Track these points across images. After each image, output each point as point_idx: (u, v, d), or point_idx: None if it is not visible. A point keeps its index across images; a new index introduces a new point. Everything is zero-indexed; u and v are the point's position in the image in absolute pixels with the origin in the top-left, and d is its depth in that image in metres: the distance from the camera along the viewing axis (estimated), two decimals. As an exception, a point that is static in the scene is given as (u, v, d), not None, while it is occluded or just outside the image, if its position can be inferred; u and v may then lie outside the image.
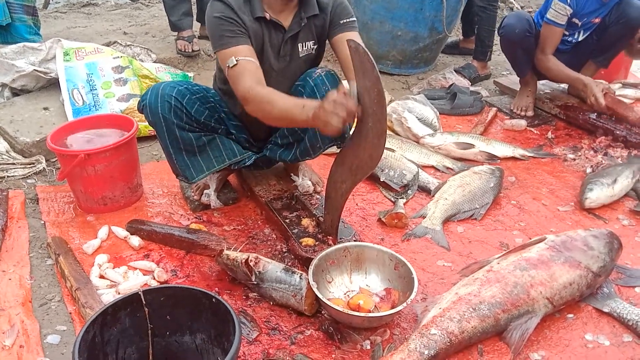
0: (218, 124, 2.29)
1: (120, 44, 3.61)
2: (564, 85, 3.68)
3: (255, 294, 1.97)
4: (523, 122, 3.38)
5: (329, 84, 2.16)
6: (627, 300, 1.98)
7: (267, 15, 2.11)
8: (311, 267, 1.87)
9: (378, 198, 2.62)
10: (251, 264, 1.90)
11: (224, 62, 2.03)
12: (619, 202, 2.60)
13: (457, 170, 2.85)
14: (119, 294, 1.90)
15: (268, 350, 1.74)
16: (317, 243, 2.14)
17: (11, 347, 1.72)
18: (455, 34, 4.85)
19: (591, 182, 2.58)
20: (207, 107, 2.24)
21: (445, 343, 1.67)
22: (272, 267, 1.91)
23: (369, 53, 1.71)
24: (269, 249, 2.22)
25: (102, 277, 2.02)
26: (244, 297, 1.97)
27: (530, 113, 3.50)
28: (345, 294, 1.96)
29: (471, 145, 3.00)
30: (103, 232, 2.26)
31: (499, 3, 4.44)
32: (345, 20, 2.21)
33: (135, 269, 2.08)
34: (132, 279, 2.00)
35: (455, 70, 4.08)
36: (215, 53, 2.13)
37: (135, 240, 2.21)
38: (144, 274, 2.05)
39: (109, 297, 1.90)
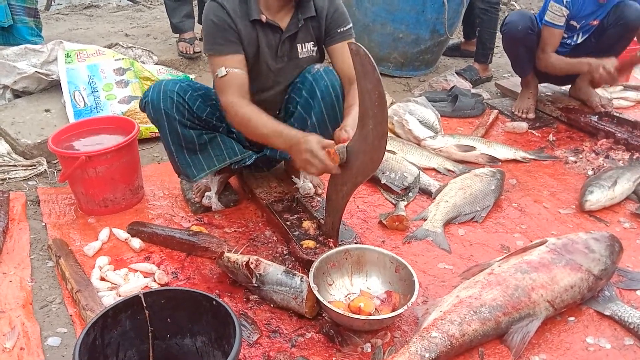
0: (219, 122, 2.30)
1: (122, 46, 3.62)
2: (565, 88, 3.68)
3: (256, 296, 1.96)
4: (524, 125, 3.38)
5: (327, 80, 2.17)
6: (629, 303, 1.97)
7: (264, 18, 2.12)
8: (312, 270, 1.87)
9: (379, 200, 2.62)
10: (252, 266, 1.90)
11: (214, 68, 2.10)
12: (620, 204, 2.59)
13: (458, 172, 2.85)
14: (119, 296, 1.90)
15: (269, 353, 1.74)
16: (318, 245, 2.14)
17: (12, 349, 1.72)
18: (457, 36, 4.85)
19: (592, 185, 2.58)
20: (209, 105, 2.25)
21: (446, 346, 1.66)
22: (273, 270, 1.91)
23: (369, 55, 1.71)
24: (270, 252, 2.22)
25: (102, 279, 2.02)
26: (244, 299, 1.96)
27: (531, 115, 3.50)
28: (346, 296, 1.96)
29: (472, 148, 3.00)
30: (104, 234, 2.26)
31: (500, 5, 4.43)
32: (342, 29, 2.23)
33: (136, 271, 2.08)
34: (132, 282, 2.00)
35: (457, 73, 4.08)
36: (206, 55, 2.15)
37: (136, 243, 2.21)
38: (145, 277, 2.05)
39: (109, 299, 1.90)
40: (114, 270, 2.06)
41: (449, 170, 2.90)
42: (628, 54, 3.22)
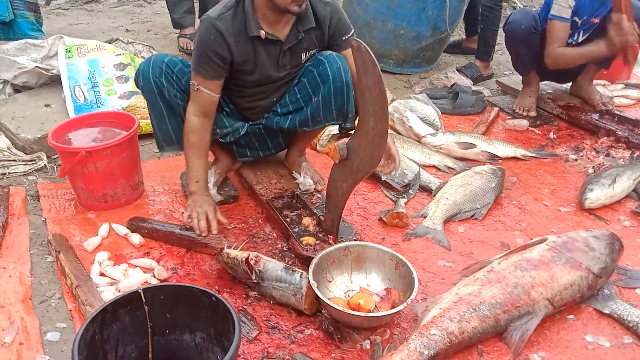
0: None
1: (122, 41, 3.61)
2: (566, 86, 3.67)
3: (255, 292, 1.96)
4: (525, 122, 3.37)
5: (340, 63, 2.20)
6: (628, 301, 1.97)
7: (262, 34, 2.12)
8: (311, 266, 1.87)
9: (379, 197, 2.62)
10: (251, 262, 1.90)
11: (192, 78, 2.17)
12: (620, 203, 2.59)
13: (459, 170, 2.85)
14: (119, 291, 1.90)
15: (268, 349, 1.74)
16: (317, 242, 2.14)
17: (11, 344, 1.72)
18: (458, 34, 4.84)
19: (592, 183, 2.57)
20: None
21: (445, 343, 1.67)
22: (273, 266, 1.91)
23: (370, 52, 1.71)
24: (270, 248, 2.22)
25: (102, 274, 2.02)
26: (244, 295, 1.96)
27: (532, 113, 3.49)
28: (345, 293, 1.96)
29: (473, 145, 3.00)
30: (104, 229, 2.26)
31: (503, 2, 4.43)
32: (346, 37, 2.25)
33: (136, 266, 2.08)
34: (132, 277, 2.00)
35: (458, 70, 4.07)
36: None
37: (136, 238, 2.21)
38: (145, 272, 2.04)
39: (109, 294, 1.90)
40: (114, 266, 2.06)
41: (449, 168, 2.90)
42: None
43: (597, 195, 2.51)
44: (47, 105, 3.08)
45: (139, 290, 1.58)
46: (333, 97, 2.23)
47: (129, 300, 1.57)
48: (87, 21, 5.06)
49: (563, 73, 3.41)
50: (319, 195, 2.44)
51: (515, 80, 3.83)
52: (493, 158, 2.96)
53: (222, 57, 2.11)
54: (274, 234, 2.31)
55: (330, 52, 2.24)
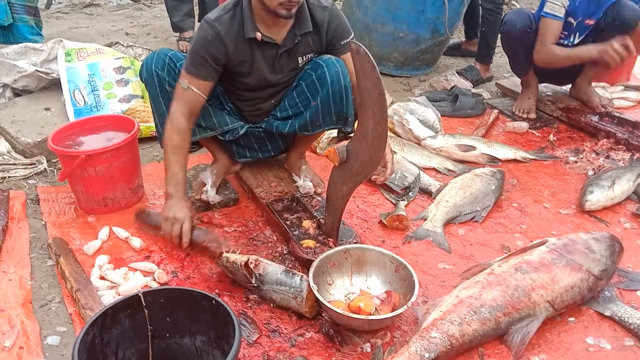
0: (212, 97, 2.30)
1: (122, 45, 3.61)
2: (566, 88, 3.67)
3: (255, 296, 1.96)
4: (525, 125, 3.37)
5: (339, 67, 2.19)
6: (629, 303, 1.97)
7: (259, 36, 2.13)
8: (312, 269, 1.87)
9: (379, 200, 2.62)
10: (251, 266, 1.90)
11: (181, 77, 2.15)
12: (620, 205, 2.59)
13: (459, 172, 2.84)
14: (119, 295, 1.90)
15: (268, 353, 1.74)
16: (317, 245, 2.13)
17: (11, 348, 1.72)
18: (457, 36, 4.84)
19: (592, 185, 2.57)
20: None
21: (446, 346, 1.66)
22: (273, 269, 1.91)
23: (369, 54, 1.71)
24: (270, 251, 2.22)
25: (102, 278, 2.02)
26: (244, 299, 1.96)
27: (532, 115, 3.49)
28: (345, 296, 1.96)
29: (472, 148, 3.00)
30: (104, 233, 2.26)
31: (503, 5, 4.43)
32: (345, 42, 2.25)
33: (136, 270, 2.07)
34: (132, 280, 2.00)
35: (458, 73, 4.07)
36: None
37: (136, 242, 2.20)
38: (145, 276, 2.04)
39: (109, 298, 1.90)
40: (114, 269, 2.06)
41: (449, 170, 2.90)
42: None
43: (598, 197, 2.51)
44: (47, 109, 3.08)
45: (139, 294, 1.58)
46: (332, 101, 2.23)
47: (129, 304, 1.57)
48: (86, 25, 5.07)
49: (562, 75, 3.41)
50: (319, 198, 2.44)
51: (514, 82, 3.84)
52: (493, 160, 2.96)
53: (217, 58, 2.13)
54: (274, 237, 2.31)
55: (329, 56, 2.25)
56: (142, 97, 3.16)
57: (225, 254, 1.97)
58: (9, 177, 2.66)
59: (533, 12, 3.30)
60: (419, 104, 3.36)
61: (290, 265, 2.10)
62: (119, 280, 2.00)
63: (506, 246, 2.30)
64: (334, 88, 2.20)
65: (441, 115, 3.41)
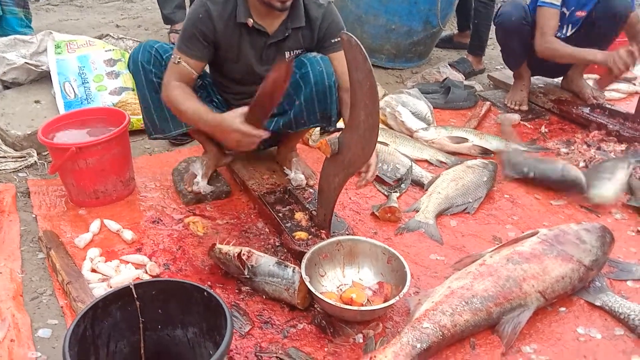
0: (200, 89, 2.29)
1: (113, 37, 3.58)
2: (558, 80, 3.68)
3: (248, 287, 1.96)
4: (517, 116, 3.38)
5: (323, 66, 2.18)
6: (619, 293, 1.98)
7: (250, 22, 2.13)
8: (304, 261, 1.87)
9: (371, 192, 2.62)
10: (244, 257, 1.90)
11: (173, 54, 2.14)
12: (611, 196, 2.60)
13: (451, 164, 2.85)
14: (110, 287, 1.89)
15: (260, 344, 1.74)
16: (310, 237, 2.13)
17: (2, 341, 1.71)
18: (450, 28, 4.84)
19: (599, 178, 2.57)
20: None
21: (438, 336, 1.67)
22: (265, 261, 1.91)
23: (361, 46, 1.70)
24: (262, 243, 2.22)
25: (93, 270, 2.01)
26: (236, 290, 1.96)
27: (524, 107, 3.50)
28: (338, 287, 1.96)
29: (465, 140, 3.00)
30: (95, 225, 2.25)
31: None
32: (335, 40, 2.23)
33: (128, 262, 2.07)
34: (124, 273, 1.99)
35: (450, 65, 4.07)
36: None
37: (128, 234, 2.20)
38: (136, 268, 2.04)
39: (100, 290, 1.89)
40: (105, 262, 2.05)
41: (441, 162, 2.90)
42: (617, 46, 3.19)
43: (606, 191, 2.52)
44: (37, 102, 3.06)
45: (130, 286, 1.57)
46: (316, 100, 2.22)
47: (120, 296, 1.56)
48: (76, 17, 5.02)
49: (554, 67, 3.41)
50: (311, 190, 2.44)
51: (507, 74, 3.84)
52: (485, 152, 2.97)
53: (205, 35, 2.12)
54: (267, 229, 2.31)
55: (314, 54, 2.23)
56: (133, 90, 3.13)
57: (217, 246, 1.97)
58: (-1, 170, 2.65)
59: (527, 2, 3.30)
60: (411, 96, 3.36)
61: (282, 257, 2.10)
62: (110, 272, 1.99)
63: (498, 237, 2.31)
64: (318, 87, 2.19)
65: (433, 108, 3.41)
